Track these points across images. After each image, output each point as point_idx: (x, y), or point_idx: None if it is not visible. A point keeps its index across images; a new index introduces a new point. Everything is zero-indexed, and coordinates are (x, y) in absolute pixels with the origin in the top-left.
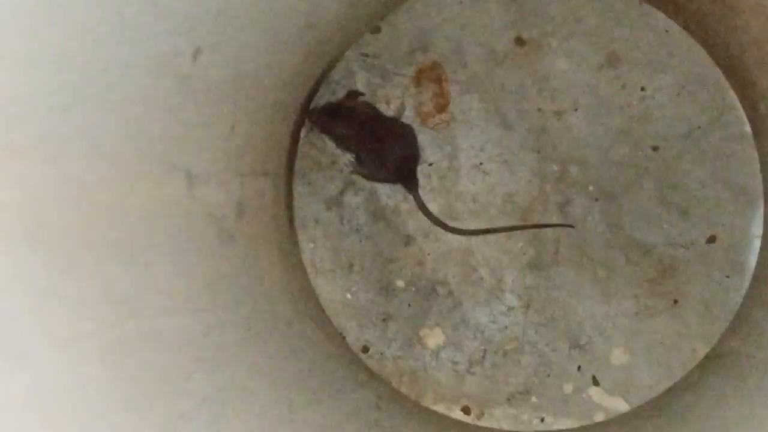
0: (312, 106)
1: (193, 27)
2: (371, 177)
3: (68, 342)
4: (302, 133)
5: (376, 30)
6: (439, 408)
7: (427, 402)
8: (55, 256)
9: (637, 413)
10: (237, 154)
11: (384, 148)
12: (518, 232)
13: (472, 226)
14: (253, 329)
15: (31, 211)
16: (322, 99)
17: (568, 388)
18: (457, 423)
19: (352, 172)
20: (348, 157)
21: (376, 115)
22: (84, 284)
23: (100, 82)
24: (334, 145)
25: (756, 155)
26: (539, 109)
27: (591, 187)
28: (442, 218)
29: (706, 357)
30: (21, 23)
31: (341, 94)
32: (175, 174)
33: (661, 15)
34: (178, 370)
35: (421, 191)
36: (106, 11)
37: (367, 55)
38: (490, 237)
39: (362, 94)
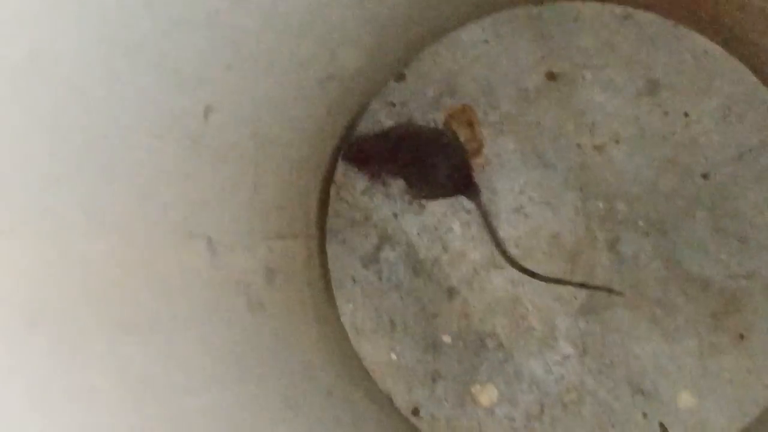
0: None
1: (200, 84)
2: (428, 195)
3: None
4: (332, 191)
5: (401, 77)
6: None
7: None
8: (59, 342)
9: None
10: (262, 216)
11: (428, 161)
12: (568, 274)
13: (517, 273)
14: (290, 401)
15: (27, 295)
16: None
17: None
18: None
19: (407, 198)
20: (397, 185)
21: (413, 131)
22: (94, 369)
23: (99, 149)
24: (378, 179)
25: None
26: (578, 145)
27: (641, 222)
28: (485, 266)
29: None
30: (7, 85)
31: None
32: (194, 242)
33: (697, 36)
34: None
35: (460, 240)
36: (101, 71)
37: (393, 104)
38: (539, 284)
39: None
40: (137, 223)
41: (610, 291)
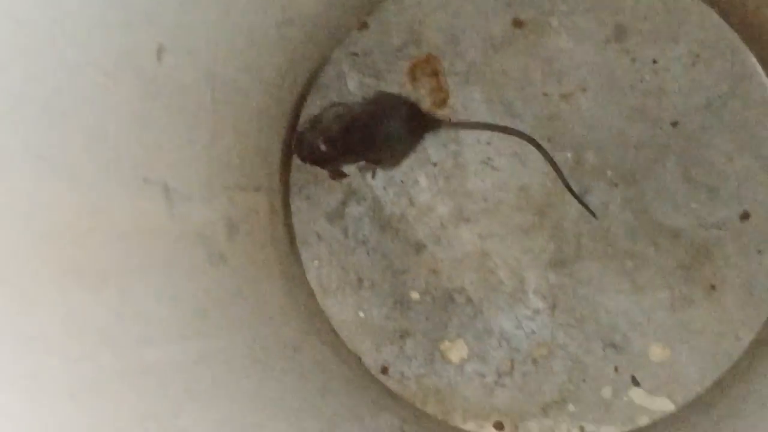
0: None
1: (152, 20)
2: (399, 159)
3: (26, 382)
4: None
5: (364, 26)
6: (470, 426)
7: (456, 421)
8: (4, 287)
9: (684, 412)
10: (221, 166)
11: (382, 127)
12: (536, 226)
13: (485, 226)
14: (254, 356)
15: None
16: (311, 107)
17: (607, 392)
18: None
19: (371, 176)
20: (358, 167)
21: (349, 114)
22: (44, 316)
23: (43, 84)
24: (332, 170)
25: None
26: (545, 94)
27: (609, 173)
28: (452, 220)
29: (753, 343)
30: None
31: (331, 98)
32: (149, 188)
33: None
34: (165, 405)
35: (427, 194)
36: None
37: (356, 54)
38: (508, 236)
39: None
40: (87, 166)
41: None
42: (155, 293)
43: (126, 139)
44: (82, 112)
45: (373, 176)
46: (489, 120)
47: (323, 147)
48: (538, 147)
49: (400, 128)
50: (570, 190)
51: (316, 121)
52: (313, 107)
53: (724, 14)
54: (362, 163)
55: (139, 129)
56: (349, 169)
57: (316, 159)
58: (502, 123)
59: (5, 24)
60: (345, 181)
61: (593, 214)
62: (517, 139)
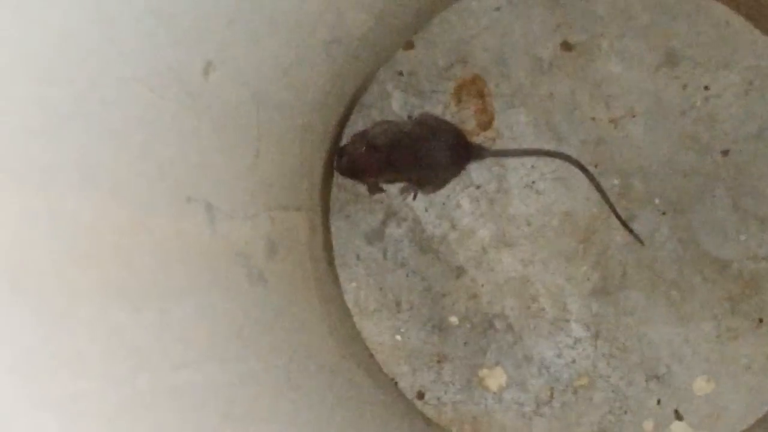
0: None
1: (201, 37)
2: (440, 183)
3: (62, 404)
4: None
5: (410, 46)
6: None
7: None
8: (45, 305)
9: None
10: (264, 185)
11: (426, 156)
12: (580, 254)
13: (527, 251)
14: (292, 379)
15: (11, 252)
16: (354, 126)
17: (649, 425)
18: None
19: (411, 197)
20: (399, 189)
21: (397, 130)
22: (82, 336)
23: (91, 99)
24: (371, 185)
25: None
26: (593, 119)
27: (657, 200)
28: (494, 244)
29: None
30: None
31: (374, 118)
32: (192, 207)
33: (720, 6)
34: (203, 428)
35: (469, 217)
36: (94, 14)
37: (401, 74)
38: (551, 262)
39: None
40: (132, 182)
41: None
42: (195, 314)
43: (171, 156)
44: (129, 129)
45: (414, 198)
46: (535, 143)
47: (365, 155)
48: (584, 170)
49: (446, 154)
50: (616, 214)
51: (361, 136)
52: (356, 126)
53: None
54: (403, 184)
55: (184, 147)
56: (389, 189)
57: (355, 170)
58: (547, 147)
59: (56, 38)
60: (385, 201)
61: (640, 241)
62: (562, 163)
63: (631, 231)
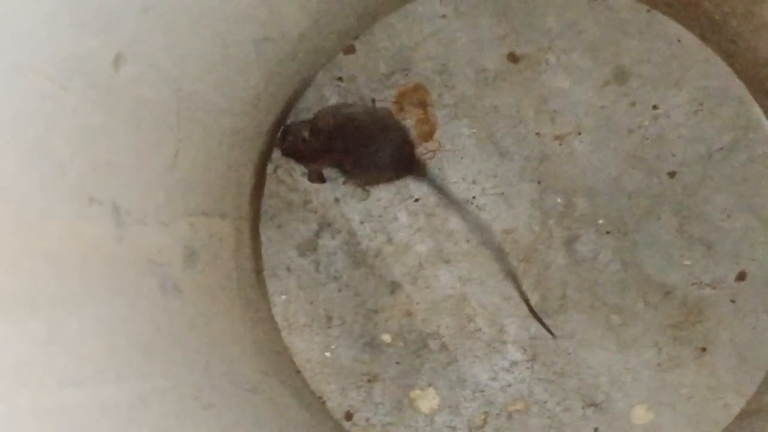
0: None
1: (110, 25)
2: (370, 181)
3: None
4: (269, 169)
5: (351, 50)
6: None
7: None
8: None
9: None
10: (184, 189)
11: (368, 146)
12: (520, 273)
13: (465, 269)
14: (204, 399)
15: None
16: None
17: None
18: None
19: (345, 183)
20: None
21: (348, 114)
22: None
23: None
24: (312, 171)
25: None
26: (538, 134)
27: (601, 221)
28: (431, 260)
29: (742, 412)
30: None
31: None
32: (95, 209)
33: (672, 23)
34: None
35: (406, 231)
36: None
37: (341, 79)
38: (489, 281)
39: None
40: (25, 180)
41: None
42: (92, 326)
43: (72, 153)
44: (20, 120)
45: (343, 183)
46: (477, 157)
47: (307, 136)
48: (499, 253)
49: (386, 156)
50: (529, 308)
51: (312, 117)
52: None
53: (732, 61)
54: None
55: (88, 143)
56: (326, 193)
57: (297, 152)
58: (490, 161)
59: None
60: (320, 212)
61: (551, 333)
62: (503, 178)
63: (541, 322)
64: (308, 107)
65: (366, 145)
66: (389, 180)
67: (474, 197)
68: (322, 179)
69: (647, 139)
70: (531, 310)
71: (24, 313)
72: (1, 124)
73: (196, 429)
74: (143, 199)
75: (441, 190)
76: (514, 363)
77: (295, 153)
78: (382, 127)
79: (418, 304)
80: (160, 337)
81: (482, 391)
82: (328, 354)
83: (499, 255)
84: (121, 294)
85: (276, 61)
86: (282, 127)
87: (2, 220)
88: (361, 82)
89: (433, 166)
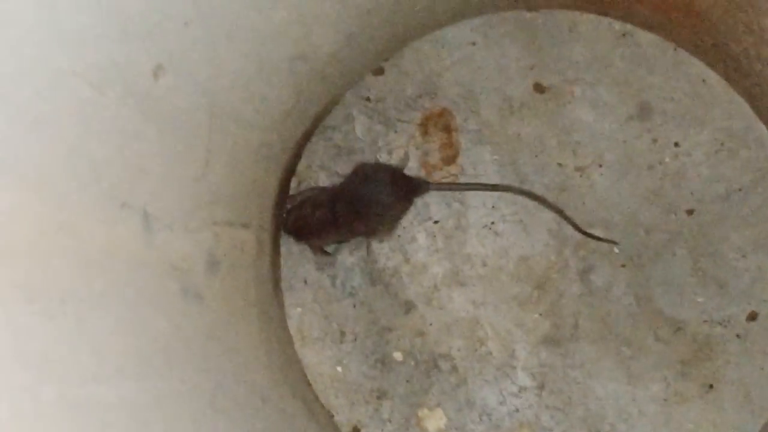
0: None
1: (152, 37)
2: (388, 228)
3: None
4: (293, 183)
5: (380, 71)
6: None
7: None
8: None
9: None
10: (211, 198)
11: (369, 204)
12: (534, 300)
13: (480, 293)
14: (217, 403)
15: None
16: (315, 146)
17: None
18: None
19: (366, 251)
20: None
21: (338, 189)
22: None
23: (22, 86)
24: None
25: None
26: (559, 164)
27: (616, 252)
28: (447, 282)
29: None
30: None
31: (336, 142)
32: (126, 213)
33: (698, 62)
34: None
35: (424, 252)
36: None
37: (368, 99)
38: (503, 306)
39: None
40: (61, 180)
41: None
42: (116, 325)
43: (108, 158)
44: (62, 122)
45: (368, 252)
46: (498, 182)
47: (310, 213)
48: (538, 199)
49: (385, 193)
50: (577, 228)
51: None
52: (317, 146)
53: (754, 103)
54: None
55: (124, 149)
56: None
57: (301, 229)
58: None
59: None
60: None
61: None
62: (523, 205)
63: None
64: (335, 125)
65: (363, 198)
66: (404, 211)
67: (493, 222)
68: (326, 253)
69: (667, 175)
70: (578, 228)
71: (52, 307)
72: (45, 124)
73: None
74: (172, 207)
75: (451, 185)
76: (523, 389)
77: (298, 232)
78: (364, 176)
79: (431, 324)
80: (179, 341)
81: (489, 415)
82: (339, 368)
83: (541, 200)
84: (145, 297)
85: (306, 78)
86: (286, 210)
87: (37, 215)
88: (388, 103)
89: (454, 191)
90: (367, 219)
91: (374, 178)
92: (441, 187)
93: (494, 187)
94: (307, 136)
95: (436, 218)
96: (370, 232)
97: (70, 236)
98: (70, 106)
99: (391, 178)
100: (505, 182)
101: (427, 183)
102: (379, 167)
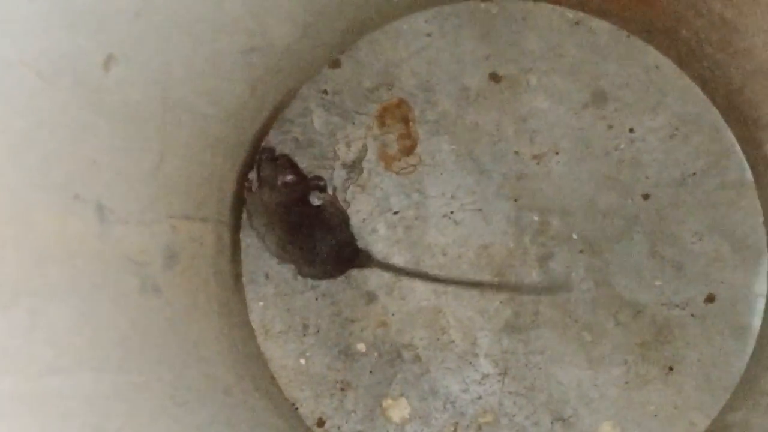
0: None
1: (102, 26)
2: (315, 276)
3: None
4: (250, 176)
5: (336, 64)
6: None
7: None
8: None
9: None
10: (167, 191)
11: (310, 240)
12: (493, 290)
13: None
14: (178, 397)
15: None
16: (273, 141)
17: None
18: None
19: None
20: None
21: (301, 197)
22: None
23: None
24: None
25: (758, 204)
26: (516, 152)
27: (575, 237)
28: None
29: (707, 430)
30: None
31: (294, 135)
32: (79, 206)
33: (651, 49)
34: None
35: (384, 243)
36: None
37: (325, 92)
38: (463, 295)
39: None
40: (11, 171)
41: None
42: (73, 318)
43: (59, 150)
44: (10, 113)
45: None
46: (456, 173)
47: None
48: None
49: (330, 251)
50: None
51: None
52: (275, 140)
53: (708, 88)
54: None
55: (75, 140)
56: None
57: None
58: (469, 178)
59: None
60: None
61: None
62: (482, 194)
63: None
64: (292, 119)
65: (312, 239)
66: (333, 276)
67: (452, 212)
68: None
69: (623, 161)
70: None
71: (5, 299)
72: None
73: (169, 425)
74: (127, 199)
75: (393, 267)
76: (486, 376)
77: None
78: (324, 220)
79: (393, 315)
80: (138, 334)
81: (453, 403)
82: (302, 361)
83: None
84: (102, 290)
85: (262, 71)
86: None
87: None
88: (345, 96)
89: (413, 180)
90: (300, 253)
91: (331, 230)
92: (382, 266)
93: (432, 278)
94: (264, 130)
95: (396, 209)
96: (296, 263)
97: (22, 228)
98: (18, 97)
99: (342, 241)
100: (463, 173)
101: (371, 258)
102: (340, 222)
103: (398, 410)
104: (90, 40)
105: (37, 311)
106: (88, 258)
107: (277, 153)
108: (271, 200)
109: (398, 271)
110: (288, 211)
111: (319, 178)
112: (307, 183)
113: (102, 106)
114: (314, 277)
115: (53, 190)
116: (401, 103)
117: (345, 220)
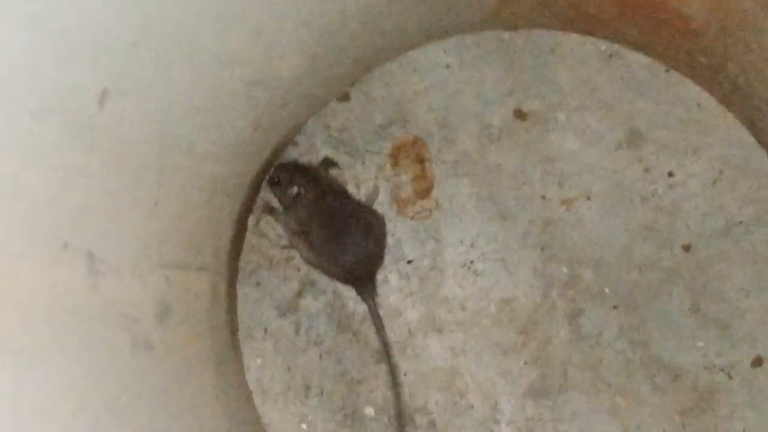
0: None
1: (97, 59)
2: (321, 267)
3: None
4: (250, 221)
5: (345, 98)
6: None
7: None
8: None
9: None
10: (161, 239)
11: (343, 238)
12: (518, 347)
13: (459, 340)
14: None
15: None
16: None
17: None
18: None
19: (293, 247)
20: (300, 243)
21: (343, 193)
22: None
23: None
24: (285, 218)
25: None
26: (543, 197)
27: (608, 294)
28: (422, 328)
29: None
30: None
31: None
32: (69, 255)
33: (693, 85)
34: None
35: (396, 295)
36: None
37: (333, 128)
38: (484, 354)
39: (337, 166)
40: None
41: None
42: (59, 381)
43: (48, 193)
44: None
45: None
46: (477, 218)
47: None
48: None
49: (357, 254)
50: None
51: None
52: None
53: (755, 129)
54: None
55: (65, 184)
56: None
57: (285, 169)
58: (492, 224)
59: None
60: (303, 270)
61: None
62: (504, 242)
63: None
64: (296, 157)
65: (343, 233)
66: (338, 279)
67: (472, 261)
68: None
69: (661, 208)
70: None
71: None
72: None
73: None
74: (119, 248)
75: (377, 323)
76: None
77: (291, 168)
78: (366, 224)
79: (405, 375)
80: (128, 396)
81: None
82: (304, 426)
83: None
84: (91, 348)
85: (266, 105)
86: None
87: None
88: (354, 132)
89: (428, 226)
90: (327, 247)
91: (358, 234)
92: (374, 313)
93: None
94: (266, 169)
95: (409, 258)
96: (310, 250)
97: (6, 282)
98: (5, 137)
99: (367, 258)
100: (484, 218)
101: (372, 298)
102: (377, 242)
103: None
104: (84, 73)
105: (22, 374)
106: (77, 313)
107: (273, 173)
108: (301, 214)
109: (381, 334)
110: (320, 210)
111: (327, 161)
112: (319, 178)
113: (95, 145)
114: (320, 267)
115: (42, 239)
116: (416, 142)
117: (382, 230)
